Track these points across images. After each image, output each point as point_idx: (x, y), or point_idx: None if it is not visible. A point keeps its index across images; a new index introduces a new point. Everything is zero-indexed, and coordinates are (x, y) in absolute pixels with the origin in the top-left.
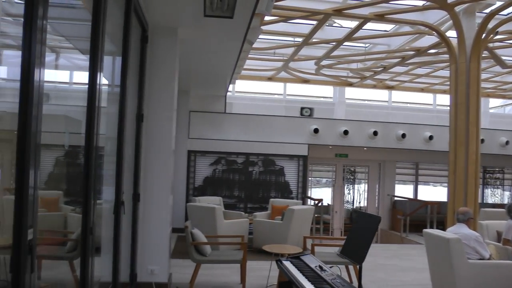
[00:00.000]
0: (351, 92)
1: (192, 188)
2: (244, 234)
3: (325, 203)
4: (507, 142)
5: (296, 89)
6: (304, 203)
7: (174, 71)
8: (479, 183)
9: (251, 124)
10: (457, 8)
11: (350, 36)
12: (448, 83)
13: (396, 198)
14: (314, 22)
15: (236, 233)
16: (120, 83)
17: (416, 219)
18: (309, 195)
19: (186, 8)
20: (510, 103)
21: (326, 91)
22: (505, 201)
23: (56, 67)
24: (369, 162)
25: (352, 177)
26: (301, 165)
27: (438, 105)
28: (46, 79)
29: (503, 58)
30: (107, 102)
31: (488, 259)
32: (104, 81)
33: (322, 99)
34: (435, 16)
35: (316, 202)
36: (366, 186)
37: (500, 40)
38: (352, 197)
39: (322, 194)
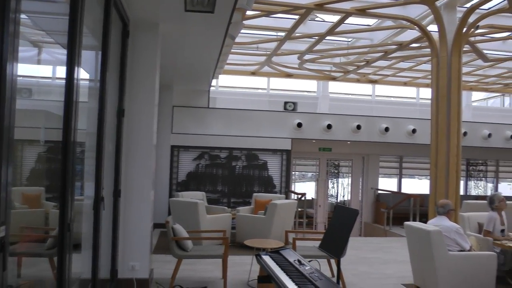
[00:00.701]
0: (334, 86)
1: (175, 183)
2: (227, 229)
3: (309, 197)
4: (489, 135)
5: (280, 84)
6: (287, 197)
7: (155, 66)
8: (461, 176)
9: (234, 118)
10: (438, 3)
11: (332, 30)
12: (431, 76)
13: (379, 192)
14: (296, 17)
15: (219, 228)
16: (100, 78)
17: (399, 212)
18: (293, 189)
19: (167, 3)
20: (493, 96)
21: (309, 86)
22: (488, 193)
23: (38, 62)
24: (353, 155)
25: (336, 171)
26: (285, 159)
27: (421, 98)
28: (26, 74)
29: (485, 52)
30: (87, 97)
31: (469, 250)
32: (84, 75)
33: (305, 93)
34: (417, 10)
35: (299, 196)
36: (350, 179)
37: (482, 34)
38: (336, 191)
39: (307, 188)
